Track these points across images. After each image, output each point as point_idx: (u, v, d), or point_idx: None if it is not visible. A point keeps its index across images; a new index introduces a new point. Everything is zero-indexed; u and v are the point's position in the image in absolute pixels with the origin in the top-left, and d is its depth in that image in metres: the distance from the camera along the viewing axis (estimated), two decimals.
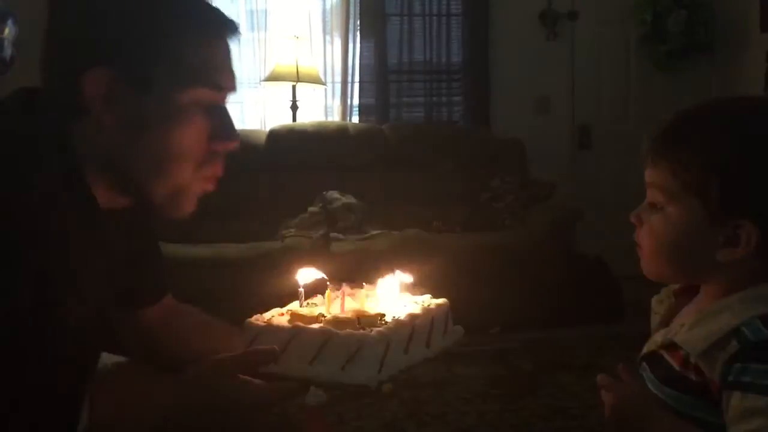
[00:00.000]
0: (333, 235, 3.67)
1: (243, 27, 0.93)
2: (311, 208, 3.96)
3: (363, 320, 0.90)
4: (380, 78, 5.07)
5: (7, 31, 3.84)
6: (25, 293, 0.74)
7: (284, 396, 0.83)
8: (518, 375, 0.95)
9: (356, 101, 5.08)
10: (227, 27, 0.88)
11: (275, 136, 4.38)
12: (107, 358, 2.64)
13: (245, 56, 4.83)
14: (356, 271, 3.49)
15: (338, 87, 5.02)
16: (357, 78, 5.05)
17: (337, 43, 5.00)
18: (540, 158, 4.72)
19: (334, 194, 4.01)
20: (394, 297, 1.03)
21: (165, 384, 0.80)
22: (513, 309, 3.53)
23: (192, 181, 0.86)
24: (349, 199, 3.99)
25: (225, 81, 0.87)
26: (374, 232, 3.82)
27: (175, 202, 0.87)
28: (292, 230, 3.80)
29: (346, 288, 1.03)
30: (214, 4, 0.91)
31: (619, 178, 5.31)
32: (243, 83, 4.85)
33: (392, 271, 1.07)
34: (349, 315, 0.92)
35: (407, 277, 1.07)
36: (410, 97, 5.23)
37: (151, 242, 1.10)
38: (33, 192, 0.77)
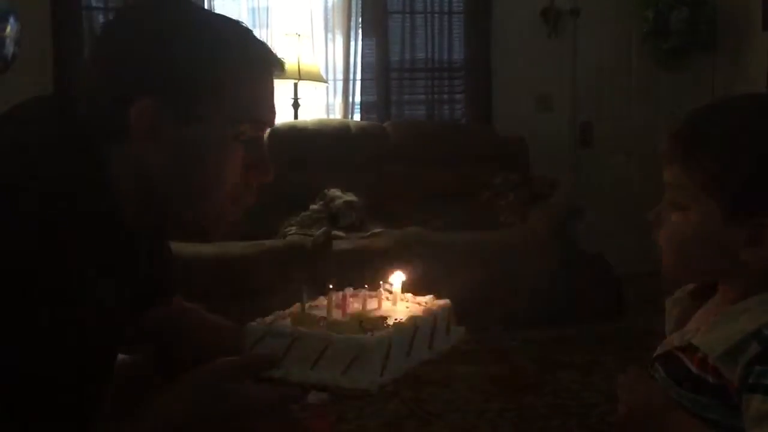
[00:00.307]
0: (334, 233, 3.67)
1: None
2: (312, 206, 3.96)
3: (364, 323, 0.90)
4: (382, 76, 5.07)
5: (8, 29, 3.84)
6: (49, 310, 0.74)
7: (286, 400, 0.83)
8: (519, 373, 0.95)
9: (358, 99, 5.08)
10: (274, 64, 0.91)
11: (276, 134, 4.37)
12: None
13: None
14: (357, 270, 3.50)
15: (340, 85, 5.02)
16: (359, 76, 5.04)
17: (339, 40, 5.00)
18: (541, 156, 4.72)
19: (336, 192, 4.02)
20: (397, 299, 1.02)
21: (166, 385, 0.80)
22: (513, 306, 3.54)
23: (225, 208, 0.89)
24: (351, 197, 3.99)
25: (267, 117, 0.89)
26: (375, 230, 3.82)
27: (208, 227, 0.90)
28: (293, 228, 3.80)
29: (348, 290, 1.03)
30: (219, 5, 0.92)
31: (621, 175, 5.32)
32: None
33: (392, 271, 1.07)
34: (350, 318, 0.92)
35: (406, 277, 1.07)
36: (412, 94, 5.23)
37: (164, 245, 1.12)
38: (63, 212, 0.77)
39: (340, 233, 3.71)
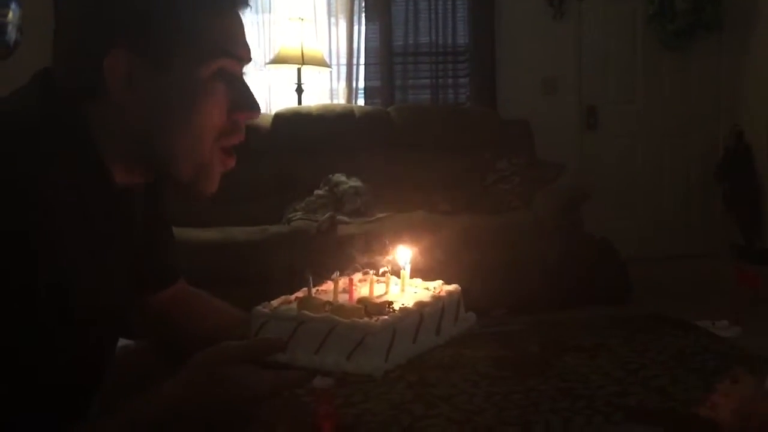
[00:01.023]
0: (339, 218, 3.67)
1: (248, 9, 0.93)
2: (317, 191, 3.96)
3: (369, 308, 0.89)
4: (386, 60, 5.05)
5: (10, 14, 3.83)
6: (44, 276, 0.74)
7: (290, 385, 0.83)
8: (525, 357, 0.95)
9: (361, 84, 5.06)
10: (238, 0, 0.89)
11: (280, 119, 4.37)
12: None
13: (250, 39, 4.78)
14: (361, 255, 3.50)
15: (343, 70, 5.00)
16: (362, 60, 5.02)
17: (342, 25, 4.98)
18: (546, 139, 4.70)
19: (340, 177, 4.01)
20: (405, 284, 1.01)
21: (170, 369, 0.80)
22: (519, 291, 3.54)
23: (213, 154, 0.87)
24: (355, 182, 3.99)
25: (242, 51, 0.87)
26: (380, 215, 3.82)
27: (200, 179, 0.88)
28: (298, 213, 3.80)
29: (355, 275, 1.02)
30: None
31: (627, 158, 5.30)
32: (248, 66, 4.83)
33: (397, 250, 1.06)
34: (355, 303, 0.92)
35: (411, 258, 1.05)
36: (416, 79, 5.21)
37: (164, 226, 1.10)
38: (51, 174, 0.77)
39: (345, 218, 3.71)
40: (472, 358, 1.15)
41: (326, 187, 3.97)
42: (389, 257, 1.05)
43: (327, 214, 3.65)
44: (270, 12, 4.88)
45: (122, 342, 1.04)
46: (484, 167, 4.37)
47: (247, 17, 4.79)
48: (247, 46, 0.89)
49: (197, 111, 0.83)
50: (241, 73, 0.89)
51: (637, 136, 5.35)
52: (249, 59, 0.89)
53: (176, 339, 1.09)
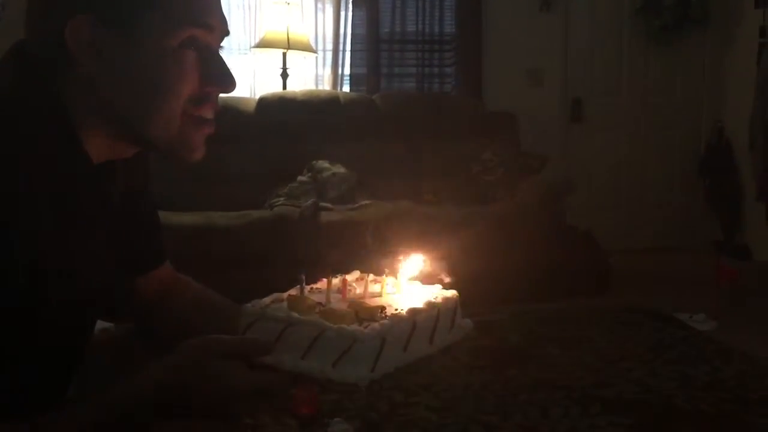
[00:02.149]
0: (322, 204, 3.66)
1: None
2: (300, 177, 3.95)
3: (361, 313, 0.86)
4: (372, 47, 5.03)
5: None
6: (21, 256, 0.73)
7: (272, 388, 0.80)
8: (504, 347, 0.96)
9: (347, 71, 5.04)
10: None
11: (265, 104, 4.35)
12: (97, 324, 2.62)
13: (235, 22, 4.77)
14: (345, 241, 3.50)
15: (329, 55, 4.97)
16: (348, 47, 5.00)
17: (329, 10, 4.95)
18: (532, 131, 4.71)
19: (324, 164, 4.00)
20: (401, 286, 0.97)
21: (154, 354, 0.79)
22: (501, 281, 3.55)
23: (186, 122, 0.85)
24: (339, 169, 3.97)
25: (214, 20, 0.85)
26: (364, 203, 3.82)
27: (177, 147, 0.86)
28: (281, 199, 3.79)
29: (349, 275, 0.99)
30: None
31: (611, 151, 5.33)
32: (232, 50, 4.79)
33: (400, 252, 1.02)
34: (347, 306, 0.88)
35: (412, 261, 1.00)
36: (402, 67, 5.20)
37: (149, 205, 1.09)
38: (27, 152, 0.77)
39: (328, 205, 3.70)
40: (451, 348, 1.16)
41: (309, 174, 3.96)
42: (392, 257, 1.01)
43: (310, 201, 3.64)
44: None
45: (104, 324, 1.04)
46: (469, 157, 4.37)
47: (233, 1, 4.75)
48: (222, 16, 0.87)
49: (162, 81, 0.82)
50: (216, 45, 0.87)
51: (621, 130, 5.37)
52: (222, 29, 0.87)
53: (163, 324, 1.08)
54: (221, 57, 0.87)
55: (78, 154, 0.83)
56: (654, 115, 5.40)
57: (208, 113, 0.87)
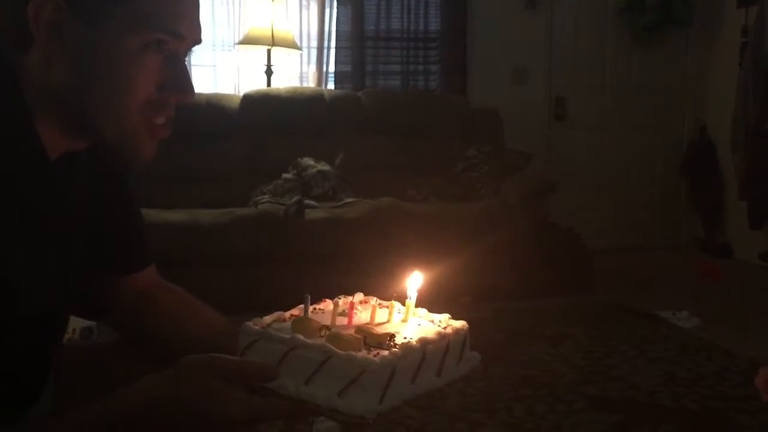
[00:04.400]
0: (307, 202, 3.65)
1: None
2: (285, 175, 3.93)
3: (369, 340, 0.82)
4: (357, 44, 5.01)
5: None
6: None
7: (274, 417, 0.78)
8: (489, 344, 0.95)
9: (332, 68, 5.02)
10: None
11: (249, 101, 4.32)
12: (77, 323, 2.60)
13: (219, 18, 4.74)
14: (329, 240, 3.49)
15: (314, 53, 4.96)
16: (333, 44, 4.98)
17: (314, 7, 4.93)
18: (516, 129, 4.72)
19: (309, 161, 3.98)
20: (409, 314, 0.93)
21: (142, 365, 0.77)
22: (485, 278, 3.56)
23: (139, 123, 0.83)
24: (324, 167, 3.96)
25: (185, 29, 0.83)
26: (348, 200, 3.81)
27: (127, 146, 0.84)
28: (266, 196, 3.77)
29: (356, 297, 0.95)
30: None
31: (594, 150, 5.35)
32: (216, 46, 4.76)
33: (410, 272, 0.97)
34: (354, 332, 0.84)
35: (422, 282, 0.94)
36: (387, 64, 5.19)
37: (127, 205, 1.06)
38: None
39: (313, 202, 3.69)
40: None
41: (294, 171, 3.94)
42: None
43: (295, 198, 3.63)
44: None
45: (85, 323, 1.02)
46: (453, 154, 4.38)
47: None
48: (196, 24, 0.85)
49: (120, 78, 0.80)
50: (182, 52, 0.85)
51: (604, 129, 5.39)
52: (194, 38, 0.85)
53: (151, 336, 1.05)
54: (185, 65, 0.86)
55: (32, 145, 0.81)
56: (637, 114, 5.43)
57: (160, 119, 0.84)
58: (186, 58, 0.87)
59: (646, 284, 4.17)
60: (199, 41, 0.87)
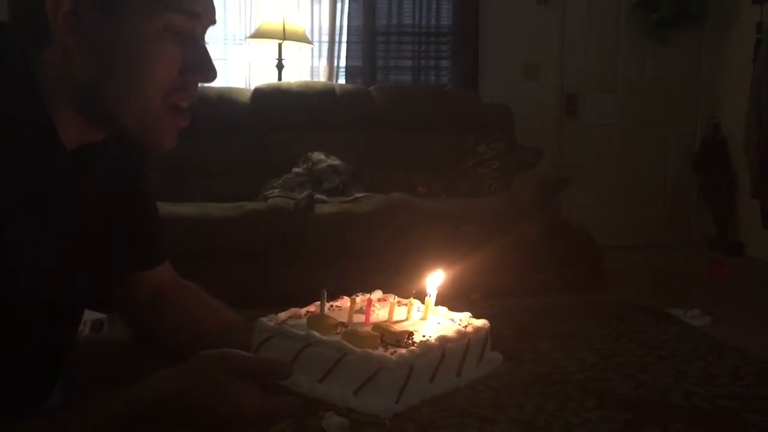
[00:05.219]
0: (317, 196, 3.65)
1: None
2: (296, 169, 3.93)
3: (387, 337, 0.79)
4: (368, 39, 5.01)
5: None
6: None
7: (288, 416, 0.77)
8: (498, 341, 0.95)
9: (343, 63, 5.02)
10: None
11: (260, 94, 4.33)
12: (88, 315, 2.62)
13: (230, 12, 4.75)
14: (339, 234, 3.49)
15: (325, 47, 4.96)
16: (344, 38, 4.98)
17: (325, 1, 4.93)
18: (526, 125, 4.71)
19: (319, 155, 3.99)
20: (428, 311, 0.91)
21: (157, 363, 0.76)
22: (495, 275, 3.55)
23: (162, 111, 0.82)
24: (334, 161, 3.97)
25: (200, 8, 0.82)
26: (359, 195, 3.81)
27: (148, 135, 0.84)
28: (276, 190, 3.78)
29: (374, 294, 0.93)
30: None
31: (605, 147, 5.33)
32: (228, 40, 4.77)
33: (430, 270, 0.95)
34: (371, 329, 0.82)
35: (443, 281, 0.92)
36: (398, 59, 5.18)
37: (144, 199, 1.05)
38: None
39: (323, 197, 3.70)
40: None
41: (305, 165, 3.95)
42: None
43: (305, 192, 3.63)
44: None
45: (96, 315, 1.02)
46: (464, 150, 4.37)
47: None
48: (210, 4, 0.85)
49: (141, 65, 0.79)
50: (200, 33, 0.85)
51: (616, 125, 5.37)
52: (208, 18, 0.85)
53: (164, 332, 1.05)
54: (204, 46, 0.85)
55: (50, 138, 0.80)
56: (649, 111, 5.40)
57: (184, 102, 0.84)
58: (203, 39, 0.86)
59: (657, 282, 4.16)
60: (214, 21, 0.86)
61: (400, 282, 0.98)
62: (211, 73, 0.84)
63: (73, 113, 0.82)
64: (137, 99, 0.81)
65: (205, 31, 0.86)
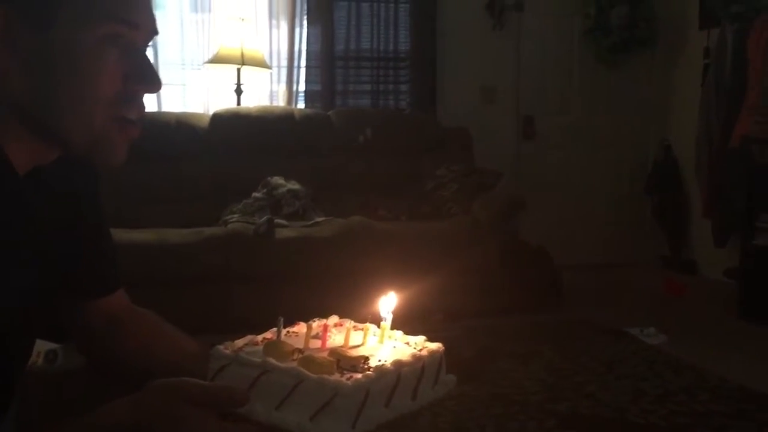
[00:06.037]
0: (277, 221, 3.64)
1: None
2: (255, 194, 3.92)
3: (342, 362, 0.80)
4: (327, 64, 5.03)
5: None
6: None
7: None
8: (459, 362, 0.95)
9: (302, 87, 5.03)
10: None
11: (219, 120, 4.31)
12: (41, 345, 2.56)
13: (188, 38, 4.73)
14: (300, 258, 3.48)
15: (284, 72, 4.96)
16: (303, 63, 4.99)
17: (284, 26, 4.94)
18: (485, 147, 4.76)
19: (279, 180, 3.98)
20: (384, 335, 0.91)
21: (110, 391, 0.75)
22: (456, 296, 3.57)
23: (108, 124, 0.81)
24: (294, 185, 3.96)
25: (137, 17, 0.81)
26: (319, 219, 3.80)
27: (98, 150, 0.82)
28: (236, 215, 3.75)
29: (330, 319, 0.93)
30: None
31: (561, 168, 5.42)
32: (186, 65, 4.75)
33: (384, 293, 0.95)
34: (327, 354, 0.82)
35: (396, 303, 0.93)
36: (357, 84, 5.21)
37: (97, 225, 1.03)
38: None
39: (283, 221, 3.68)
40: None
41: (264, 190, 3.93)
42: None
43: (265, 217, 3.61)
44: (210, 11, 4.79)
45: (49, 345, 1.00)
46: (423, 173, 4.40)
47: (186, 16, 4.72)
48: (149, 13, 0.83)
49: (81, 78, 0.78)
50: (141, 43, 0.83)
51: (571, 147, 5.47)
52: (147, 27, 0.83)
53: (119, 360, 1.03)
54: (146, 57, 0.84)
55: (0, 159, 0.78)
56: (603, 133, 5.52)
57: (132, 113, 0.82)
58: (146, 51, 0.85)
59: (613, 301, 4.22)
60: (155, 31, 0.85)
61: (359, 305, 0.99)
62: (155, 82, 0.83)
63: (21, 134, 0.80)
64: (81, 114, 0.79)
65: (147, 42, 0.85)
